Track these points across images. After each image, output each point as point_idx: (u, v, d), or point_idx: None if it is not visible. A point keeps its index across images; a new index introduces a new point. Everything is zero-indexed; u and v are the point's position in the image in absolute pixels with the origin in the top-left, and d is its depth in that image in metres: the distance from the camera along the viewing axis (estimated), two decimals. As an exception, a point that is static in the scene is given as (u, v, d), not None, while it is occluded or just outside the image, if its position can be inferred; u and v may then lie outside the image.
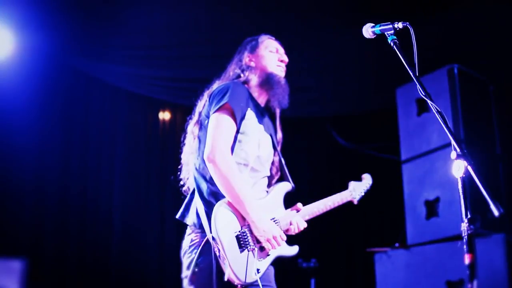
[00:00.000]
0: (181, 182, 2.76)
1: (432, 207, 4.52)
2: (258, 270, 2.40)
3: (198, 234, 2.46)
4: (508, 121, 4.84)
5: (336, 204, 2.84)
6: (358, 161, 6.43)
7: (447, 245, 4.30)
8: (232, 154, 2.52)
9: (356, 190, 2.97)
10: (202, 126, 2.64)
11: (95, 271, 5.51)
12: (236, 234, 2.38)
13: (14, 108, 5.12)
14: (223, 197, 2.43)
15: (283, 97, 2.74)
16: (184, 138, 2.78)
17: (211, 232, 2.34)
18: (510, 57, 5.10)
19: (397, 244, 4.69)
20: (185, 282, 2.45)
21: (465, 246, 1.77)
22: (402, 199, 4.79)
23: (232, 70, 2.83)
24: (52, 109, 5.57)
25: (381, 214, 6.56)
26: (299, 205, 2.68)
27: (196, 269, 2.39)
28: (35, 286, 4.67)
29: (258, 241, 2.44)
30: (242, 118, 2.57)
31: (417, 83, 2.05)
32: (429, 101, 2.00)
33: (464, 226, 1.80)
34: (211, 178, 2.48)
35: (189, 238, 2.50)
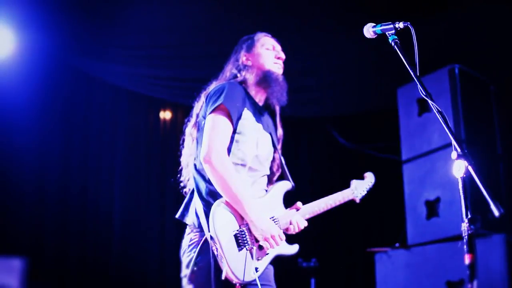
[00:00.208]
0: (182, 184, 2.76)
1: (432, 207, 4.52)
2: (256, 269, 2.40)
3: (197, 233, 2.46)
4: (508, 121, 4.84)
5: (338, 203, 2.83)
6: (359, 161, 6.43)
7: (447, 245, 4.30)
8: (229, 154, 2.52)
9: (358, 188, 2.95)
10: (199, 127, 2.64)
11: (95, 271, 5.51)
12: (234, 233, 2.39)
13: (14, 107, 5.12)
14: (222, 196, 2.44)
15: (282, 95, 2.73)
16: (183, 140, 2.78)
17: (209, 231, 2.34)
18: (510, 57, 5.10)
19: (397, 244, 4.70)
20: (184, 281, 2.45)
21: (465, 246, 1.77)
22: (402, 199, 4.79)
23: (229, 70, 2.82)
24: (53, 109, 5.57)
25: (382, 214, 6.56)
26: (299, 204, 2.68)
27: (195, 268, 2.39)
28: (36, 285, 4.67)
29: (256, 240, 2.44)
30: (239, 118, 2.56)
31: (418, 83, 2.05)
32: (430, 101, 2.00)
33: (464, 226, 1.80)
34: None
35: (189, 237, 2.50)
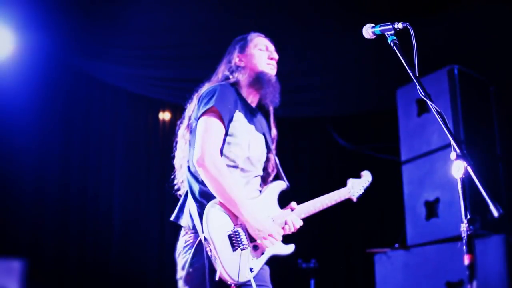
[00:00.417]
0: (176, 187, 2.75)
1: (432, 207, 4.52)
2: (251, 269, 2.39)
3: (192, 235, 2.46)
4: (508, 121, 4.84)
5: (334, 202, 2.80)
6: (358, 161, 6.42)
7: (447, 245, 4.30)
8: (221, 156, 2.51)
9: (355, 187, 2.93)
10: (191, 129, 2.64)
11: (95, 271, 5.51)
12: (228, 233, 2.39)
13: (14, 108, 5.12)
14: (215, 197, 2.44)
15: (274, 96, 2.71)
16: (176, 143, 2.77)
17: (203, 232, 2.34)
18: (510, 58, 5.10)
19: (397, 245, 4.70)
20: (180, 283, 2.45)
21: (464, 247, 1.77)
22: (402, 199, 4.79)
23: (221, 71, 2.80)
24: (52, 109, 5.57)
25: (381, 214, 6.56)
26: (293, 204, 2.66)
27: (190, 270, 2.39)
28: (35, 286, 4.67)
29: (251, 240, 2.44)
30: (230, 120, 2.56)
31: (417, 84, 2.05)
32: (429, 102, 2.00)
33: (463, 226, 1.80)
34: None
35: (183, 239, 2.50)
